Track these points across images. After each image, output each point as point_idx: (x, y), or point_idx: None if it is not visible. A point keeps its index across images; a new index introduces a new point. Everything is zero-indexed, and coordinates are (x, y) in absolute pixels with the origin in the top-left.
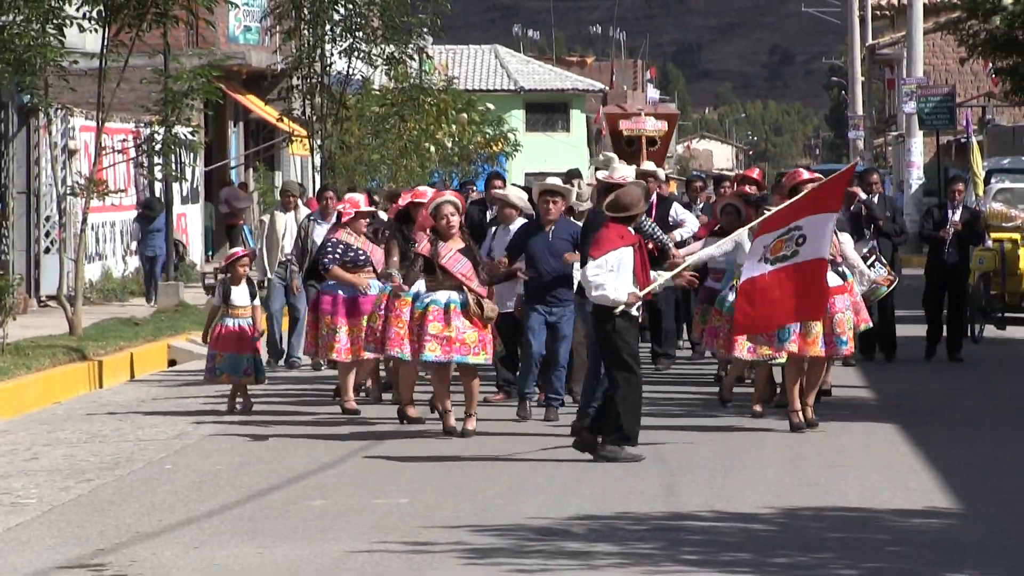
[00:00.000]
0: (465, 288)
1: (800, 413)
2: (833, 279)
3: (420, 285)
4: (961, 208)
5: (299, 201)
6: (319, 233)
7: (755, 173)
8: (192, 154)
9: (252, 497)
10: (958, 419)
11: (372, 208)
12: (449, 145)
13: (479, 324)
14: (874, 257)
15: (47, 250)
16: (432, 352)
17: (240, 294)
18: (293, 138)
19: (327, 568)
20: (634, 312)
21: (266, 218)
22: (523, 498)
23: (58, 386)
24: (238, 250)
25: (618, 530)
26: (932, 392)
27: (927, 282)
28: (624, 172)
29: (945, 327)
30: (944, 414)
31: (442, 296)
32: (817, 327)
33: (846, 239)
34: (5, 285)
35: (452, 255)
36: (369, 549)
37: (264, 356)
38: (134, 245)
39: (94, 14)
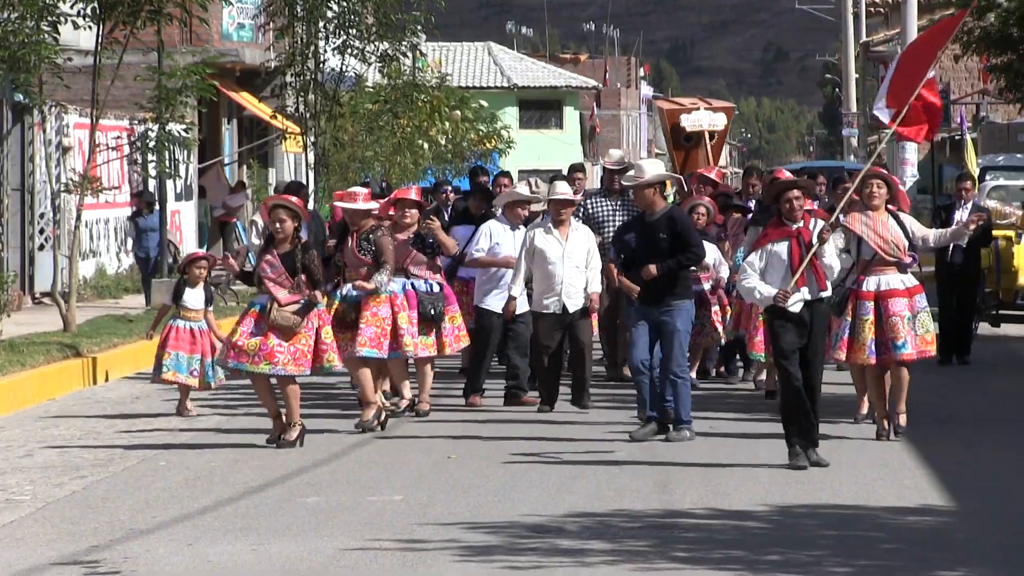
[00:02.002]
0: (271, 293)
1: (886, 421)
2: (898, 281)
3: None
4: (970, 207)
5: None
6: None
7: (713, 172)
8: (186, 151)
9: (246, 494)
10: (953, 417)
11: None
12: (442, 142)
13: (279, 332)
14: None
15: (41, 247)
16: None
17: (194, 297)
18: (287, 135)
19: (321, 565)
20: (794, 308)
21: (258, 218)
22: (517, 495)
23: (52, 383)
24: (198, 251)
25: (612, 527)
26: (926, 390)
27: (937, 284)
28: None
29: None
30: (938, 412)
31: (260, 300)
32: (865, 334)
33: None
34: None
35: (270, 260)
36: (363, 546)
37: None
38: (130, 243)
39: (88, 11)
